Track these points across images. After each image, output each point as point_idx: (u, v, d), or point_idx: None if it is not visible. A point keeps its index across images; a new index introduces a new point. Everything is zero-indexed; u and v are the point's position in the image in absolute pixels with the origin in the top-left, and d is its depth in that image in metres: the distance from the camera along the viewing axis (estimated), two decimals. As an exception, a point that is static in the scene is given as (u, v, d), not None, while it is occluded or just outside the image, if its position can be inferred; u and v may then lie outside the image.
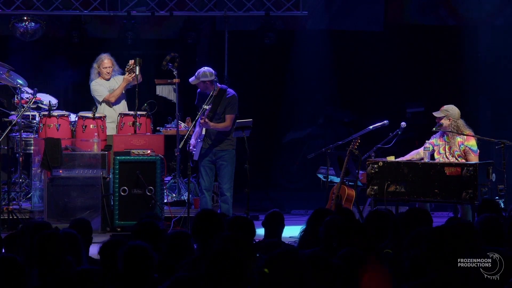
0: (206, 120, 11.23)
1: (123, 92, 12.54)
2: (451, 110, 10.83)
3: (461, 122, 10.80)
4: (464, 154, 10.72)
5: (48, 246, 5.41)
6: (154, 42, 15.86)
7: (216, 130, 11.35)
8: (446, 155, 10.79)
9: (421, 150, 10.92)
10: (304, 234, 7.03)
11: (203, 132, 11.39)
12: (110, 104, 12.48)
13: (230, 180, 11.40)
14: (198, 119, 11.36)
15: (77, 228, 6.55)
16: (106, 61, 12.52)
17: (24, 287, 5.13)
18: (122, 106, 12.57)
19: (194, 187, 12.48)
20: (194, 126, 11.63)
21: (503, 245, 6.12)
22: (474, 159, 10.65)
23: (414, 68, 16.47)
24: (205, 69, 11.39)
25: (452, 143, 10.77)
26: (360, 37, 16.15)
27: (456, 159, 10.68)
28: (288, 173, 16.84)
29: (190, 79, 11.46)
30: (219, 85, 11.47)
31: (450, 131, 10.74)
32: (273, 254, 4.66)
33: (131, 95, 12.50)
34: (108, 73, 12.50)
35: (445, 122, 10.79)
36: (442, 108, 10.88)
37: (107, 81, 12.53)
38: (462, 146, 10.73)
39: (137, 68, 12.26)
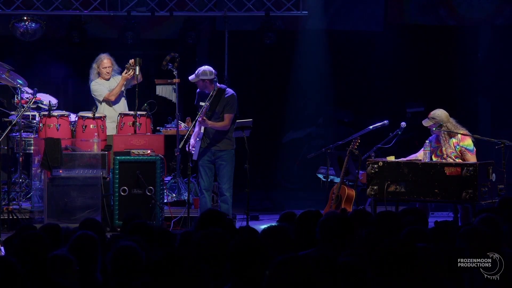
0: (204, 118, 11.23)
1: (123, 92, 12.54)
2: (438, 116, 10.78)
3: (451, 124, 10.76)
4: (461, 155, 10.71)
5: (30, 247, 5.37)
6: (154, 42, 15.86)
7: (215, 129, 11.35)
8: (443, 157, 10.78)
9: (420, 153, 10.92)
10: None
11: (202, 131, 11.40)
12: (110, 103, 12.48)
13: (230, 180, 11.40)
14: (197, 119, 11.36)
15: (90, 229, 6.54)
16: (105, 61, 12.53)
17: None
18: (122, 106, 12.56)
19: (194, 187, 12.48)
20: (194, 126, 11.63)
21: (502, 245, 6.11)
22: (471, 158, 10.63)
23: (414, 68, 16.47)
24: (205, 67, 11.40)
25: (447, 146, 10.74)
26: (360, 37, 16.15)
27: (454, 160, 10.67)
28: (288, 173, 16.84)
29: (190, 77, 11.46)
30: (218, 84, 11.47)
31: (443, 132, 10.71)
32: (276, 261, 4.66)
33: (131, 95, 12.50)
34: (108, 73, 12.50)
35: (435, 130, 10.78)
36: (429, 115, 10.85)
37: (107, 81, 12.54)
38: (458, 147, 10.72)
39: (137, 68, 12.27)
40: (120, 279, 5.31)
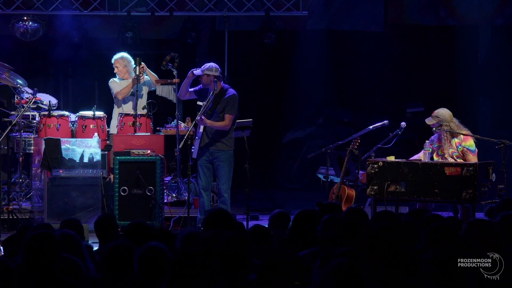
0: (203, 117, 11.23)
1: (140, 93, 12.44)
2: (442, 115, 10.79)
3: (454, 124, 10.77)
4: (463, 155, 10.72)
5: (40, 247, 5.33)
6: (154, 42, 15.86)
7: (214, 129, 11.34)
8: (444, 157, 10.78)
9: (421, 154, 10.93)
10: (290, 234, 6.97)
11: (201, 130, 11.40)
12: (119, 102, 12.49)
13: (228, 181, 11.39)
14: (196, 118, 11.36)
15: (69, 228, 6.53)
16: (114, 61, 12.58)
17: None
18: (131, 107, 12.48)
19: (194, 187, 12.48)
20: (194, 126, 11.64)
21: None
22: (472, 159, 10.64)
23: (414, 68, 16.47)
24: (212, 64, 11.41)
25: (449, 146, 10.75)
26: (360, 37, 16.15)
27: (455, 160, 10.68)
28: (288, 173, 16.84)
29: (195, 71, 11.45)
30: (222, 83, 11.48)
31: (446, 131, 10.72)
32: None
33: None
34: (116, 72, 12.56)
35: (436, 130, 10.79)
36: (433, 114, 10.86)
37: (124, 80, 12.53)
38: (460, 147, 10.72)
39: (137, 68, 12.27)
40: (112, 277, 5.32)
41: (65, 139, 11.80)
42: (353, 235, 6.06)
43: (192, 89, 11.53)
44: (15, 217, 11.56)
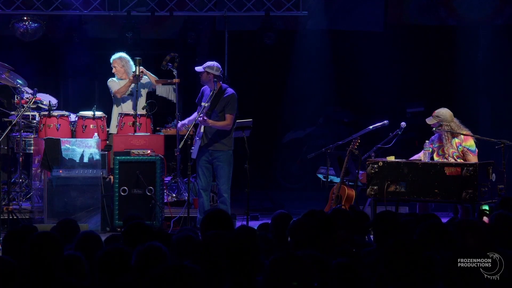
0: (205, 117, 11.24)
1: (137, 92, 12.44)
2: (442, 115, 10.80)
3: (454, 124, 10.78)
4: (463, 155, 10.72)
5: (40, 248, 5.33)
6: (154, 42, 15.85)
7: (215, 129, 11.34)
8: (445, 157, 10.79)
9: (421, 154, 10.93)
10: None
11: (201, 130, 11.40)
12: (119, 102, 12.49)
13: (228, 181, 11.39)
14: (198, 118, 11.36)
15: (65, 229, 6.52)
16: (112, 61, 12.57)
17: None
18: (130, 107, 12.49)
19: (194, 187, 12.48)
20: (194, 126, 11.64)
21: None
22: (473, 159, 10.64)
23: (414, 68, 16.47)
24: (215, 63, 11.44)
25: (449, 146, 10.75)
26: (360, 37, 16.15)
27: (455, 160, 10.68)
28: (288, 173, 16.84)
29: (196, 68, 11.47)
30: (221, 83, 11.49)
31: (447, 131, 10.73)
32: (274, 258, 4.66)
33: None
34: (113, 72, 12.56)
35: (436, 130, 10.80)
36: (433, 113, 10.86)
37: (122, 80, 12.53)
38: (460, 147, 10.73)
39: (137, 68, 12.28)
40: (106, 280, 5.32)
41: (65, 139, 11.81)
42: (317, 240, 6.09)
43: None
44: (15, 217, 11.56)
